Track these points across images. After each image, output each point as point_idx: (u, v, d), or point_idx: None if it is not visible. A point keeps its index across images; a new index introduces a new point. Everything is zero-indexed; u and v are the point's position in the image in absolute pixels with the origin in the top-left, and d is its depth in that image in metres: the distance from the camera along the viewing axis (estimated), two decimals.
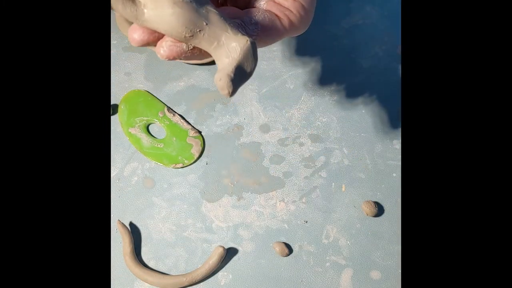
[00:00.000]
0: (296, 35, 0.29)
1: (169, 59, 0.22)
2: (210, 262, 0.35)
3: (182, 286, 0.35)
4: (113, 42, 0.43)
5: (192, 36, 0.21)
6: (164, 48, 0.22)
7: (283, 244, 0.36)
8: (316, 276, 0.36)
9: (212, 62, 0.42)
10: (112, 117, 0.40)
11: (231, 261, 0.36)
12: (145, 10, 0.21)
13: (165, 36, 0.22)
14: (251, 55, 0.22)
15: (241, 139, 0.40)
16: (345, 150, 0.39)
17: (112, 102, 0.41)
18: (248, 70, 0.22)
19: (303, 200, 0.38)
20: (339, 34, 0.44)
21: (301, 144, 0.40)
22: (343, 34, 0.43)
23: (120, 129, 0.40)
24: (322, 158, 0.39)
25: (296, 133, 0.40)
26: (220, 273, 0.36)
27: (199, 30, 0.21)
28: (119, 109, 0.40)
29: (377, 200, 0.38)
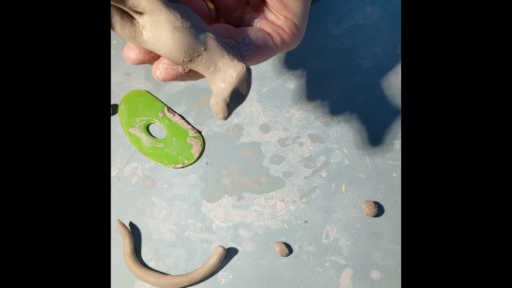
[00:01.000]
0: (287, 51, 0.28)
1: (165, 81, 0.22)
2: (210, 262, 0.35)
3: (182, 286, 0.35)
4: (113, 42, 0.43)
5: (190, 60, 0.21)
6: (160, 70, 0.21)
7: (283, 244, 0.36)
8: (316, 276, 0.36)
9: None
10: (112, 117, 0.40)
11: (231, 261, 0.36)
12: (144, 32, 0.20)
13: (161, 58, 0.21)
14: (246, 81, 0.22)
15: (241, 139, 0.40)
16: (345, 150, 0.39)
17: (112, 102, 0.41)
18: (243, 94, 0.22)
19: (303, 200, 0.38)
20: (339, 34, 0.44)
21: (301, 144, 0.40)
22: (343, 34, 0.43)
23: (120, 129, 0.40)
24: (322, 158, 0.39)
25: (296, 133, 0.40)
26: (220, 273, 0.36)
27: (197, 55, 0.21)
28: (119, 109, 0.40)
29: (377, 200, 0.38)
